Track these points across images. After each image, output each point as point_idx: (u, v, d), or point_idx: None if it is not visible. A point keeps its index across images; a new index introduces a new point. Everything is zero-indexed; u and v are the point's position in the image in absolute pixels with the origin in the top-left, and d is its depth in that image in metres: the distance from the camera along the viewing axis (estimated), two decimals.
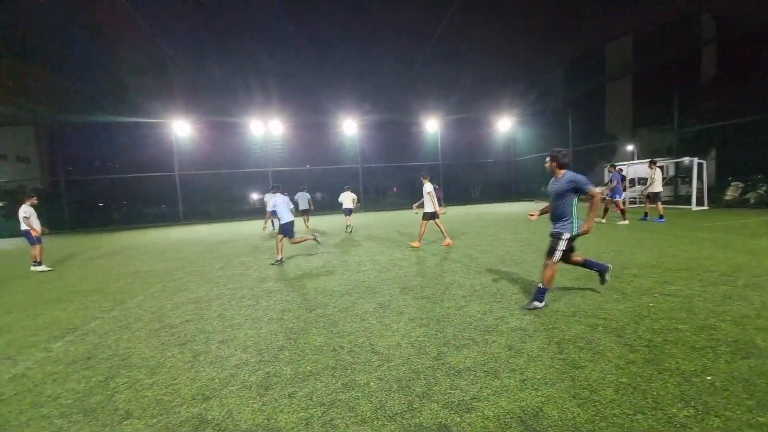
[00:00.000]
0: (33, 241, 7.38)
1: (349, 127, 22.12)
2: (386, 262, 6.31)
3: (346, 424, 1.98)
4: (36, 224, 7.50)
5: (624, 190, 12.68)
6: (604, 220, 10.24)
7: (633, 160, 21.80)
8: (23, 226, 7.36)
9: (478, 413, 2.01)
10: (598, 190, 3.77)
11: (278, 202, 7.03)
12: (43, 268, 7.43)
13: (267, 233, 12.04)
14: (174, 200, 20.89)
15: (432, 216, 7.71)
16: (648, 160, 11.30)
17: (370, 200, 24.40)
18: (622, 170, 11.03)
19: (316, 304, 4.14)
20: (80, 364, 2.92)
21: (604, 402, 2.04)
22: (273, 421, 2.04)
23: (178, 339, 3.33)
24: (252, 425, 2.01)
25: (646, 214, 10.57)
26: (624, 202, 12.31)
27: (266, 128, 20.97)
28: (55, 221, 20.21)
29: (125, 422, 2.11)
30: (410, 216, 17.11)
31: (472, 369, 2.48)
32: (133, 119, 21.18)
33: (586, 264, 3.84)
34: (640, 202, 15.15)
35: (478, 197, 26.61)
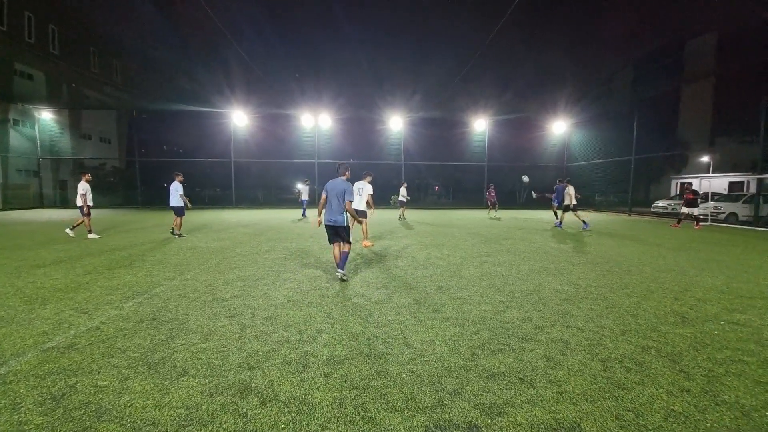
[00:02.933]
0: (83, 213, 8.49)
1: (396, 123, 22.19)
2: (423, 259, 6.31)
3: (377, 409, 2.05)
4: (89, 199, 8.52)
5: (695, 204, 11.58)
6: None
7: (708, 172, 19.56)
8: (79, 201, 8.41)
9: (510, 418, 1.98)
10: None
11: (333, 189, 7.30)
12: (93, 236, 8.56)
13: (304, 221, 12.52)
14: (228, 185, 22.41)
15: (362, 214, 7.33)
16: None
17: (412, 198, 24.40)
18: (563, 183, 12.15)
19: (354, 293, 4.27)
20: (146, 324, 3.30)
21: (649, 427, 1.91)
22: (309, 396, 2.17)
23: (227, 311, 3.63)
24: (290, 397, 2.16)
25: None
26: (697, 217, 11.29)
27: (315, 121, 21.70)
28: (129, 197, 22.66)
29: (182, 378, 2.36)
30: (450, 215, 16.87)
31: (506, 374, 2.43)
32: (198, 108, 22.95)
33: None
34: (713, 220, 13.59)
35: (525, 202, 25.49)
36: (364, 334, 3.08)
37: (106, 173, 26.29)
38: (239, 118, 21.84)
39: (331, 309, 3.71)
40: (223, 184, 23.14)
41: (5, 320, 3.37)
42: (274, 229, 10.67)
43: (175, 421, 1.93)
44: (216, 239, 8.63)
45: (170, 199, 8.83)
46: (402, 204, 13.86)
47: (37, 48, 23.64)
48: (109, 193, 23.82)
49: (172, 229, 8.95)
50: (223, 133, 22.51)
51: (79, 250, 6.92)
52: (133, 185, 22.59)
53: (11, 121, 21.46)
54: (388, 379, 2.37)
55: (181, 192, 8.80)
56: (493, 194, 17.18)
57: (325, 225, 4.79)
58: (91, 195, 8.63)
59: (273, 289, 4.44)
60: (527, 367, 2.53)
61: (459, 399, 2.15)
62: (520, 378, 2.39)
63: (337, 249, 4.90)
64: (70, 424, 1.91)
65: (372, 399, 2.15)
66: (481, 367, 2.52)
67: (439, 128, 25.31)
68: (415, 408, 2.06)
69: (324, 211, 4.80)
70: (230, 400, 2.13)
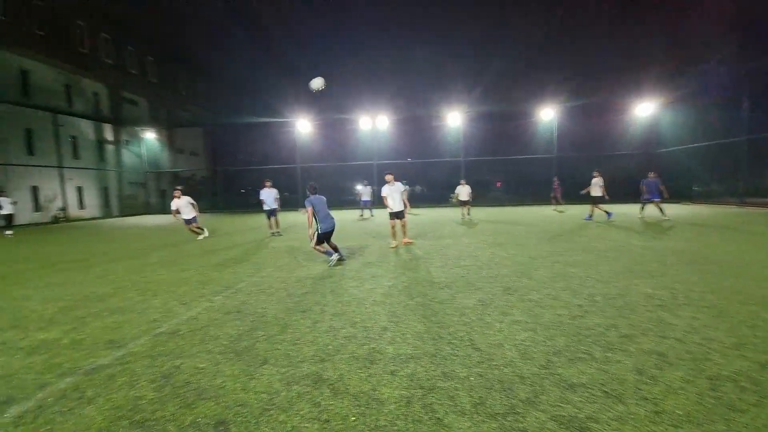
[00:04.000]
0: (187, 221, 9.73)
1: (454, 119, 21.66)
2: (487, 258, 6.07)
3: (445, 411, 2.02)
4: (186, 214, 9.64)
5: None
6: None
7: None
8: (194, 212, 9.74)
9: None
10: None
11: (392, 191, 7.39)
12: (201, 237, 9.76)
13: (365, 221, 12.84)
14: (295, 188, 24.02)
15: (399, 215, 7.48)
16: None
17: (473, 194, 23.57)
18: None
19: (416, 292, 4.28)
20: (232, 315, 3.69)
21: None
22: (377, 392, 2.22)
23: (300, 307, 3.89)
24: (359, 391, 2.24)
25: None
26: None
27: (373, 123, 22.18)
28: (214, 203, 25.57)
29: (263, 366, 2.59)
30: (513, 212, 15.93)
31: (588, 386, 2.22)
32: (267, 120, 24.99)
33: None
34: None
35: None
36: (428, 334, 3.06)
37: (195, 182, 30.00)
38: (303, 126, 23.28)
39: (395, 308, 3.76)
40: (291, 188, 24.84)
41: (125, 309, 4.05)
42: (336, 230, 11.15)
43: (259, 405, 2.13)
44: (287, 240, 9.32)
45: (265, 202, 9.80)
46: (463, 203, 13.40)
47: (139, 77, 27.88)
48: (197, 199, 27.23)
49: (273, 230, 10.02)
50: (289, 139, 24.20)
51: (177, 251, 8.01)
52: (215, 191, 25.45)
53: (123, 142, 25.64)
54: (456, 381, 2.32)
55: (174, 208, 9.67)
56: (558, 188, 15.96)
57: (326, 232, 5.90)
58: (186, 207, 9.75)
59: (339, 287, 4.65)
60: (613, 380, 2.28)
61: (534, 408, 2.02)
62: (605, 391, 2.16)
63: (327, 246, 6.04)
64: (176, 399, 2.22)
65: (439, 400, 2.12)
66: (557, 376, 2.34)
67: (502, 121, 24.07)
68: (485, 413, 1.99)
69: (319, 222, 5.82)
70: (305, 389, 2.28)
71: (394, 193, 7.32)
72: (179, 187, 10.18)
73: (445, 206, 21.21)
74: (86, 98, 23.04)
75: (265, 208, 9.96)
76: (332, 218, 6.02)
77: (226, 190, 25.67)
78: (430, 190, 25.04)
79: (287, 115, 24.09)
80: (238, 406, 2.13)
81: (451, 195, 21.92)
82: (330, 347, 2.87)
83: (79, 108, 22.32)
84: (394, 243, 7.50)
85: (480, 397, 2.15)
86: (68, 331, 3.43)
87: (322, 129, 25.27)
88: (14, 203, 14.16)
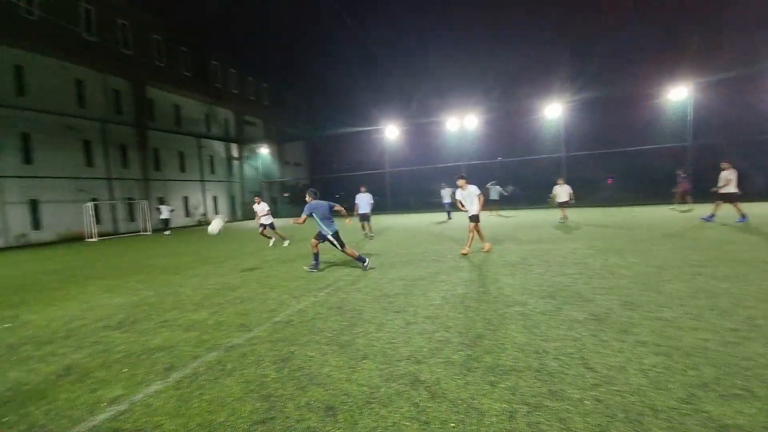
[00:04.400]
0: (267, 226, 10.10)
1: (553, 111, 19.65)
2: (599, 267, 5.32)
3: None
4: (263, 219, 10.01)
5: None
6: None
7: None
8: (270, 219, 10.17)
9: None
10: None
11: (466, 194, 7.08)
12: (272, 243, 10.04)
13: (445, 223, 12.52)
14: (383, 193, 24.96)
15: (477, 219, 6.93)
16: None
17: (576, 194, 20.98)
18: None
19: (514, 300, 4.00)
20: (334, 311, 4.03)
21: None
22: (476, 401, 2.15)
23: (393, 307, 4.03)
24: (457, 398, 2.20)
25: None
26: None
27: (461, 123, 21.65)
28: None
29: (363, 361, 2.76)
30: (629, 213, 13.57)
31: (746, 430, 1.76)
32: (358, 129, 26.61)
33: None
34: None
35: (755, 191, 17.94)
36: (530, 347, 2.84)
37: (299, 190, 33.75)
38: (391, 131, 24.09)
39: (490, 315, 3.59)
40: (379, 192, 25.91)
41: (250, 299, 4.78)
42: (423, 233, 11.21)
43: (361, 396, 2.27)
44: (377, 242, 9.75)
45: (360, 207, 10.32)
46: (561, 204, 11.95)
47: (256, 102, 32.67)
48: (301, 205, 30.70)
49: (366, 233, 10.52)
50: (378, 145, 25.32)
51: (286, 251, 9.11)
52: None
53: (244, 158, 30.40)
54: (566, 402, 2.10)
55: (371, 200, 10.44)
56: (686, 183, 13.10)
57: (333, 235, 6.09)
58: (263, 213, 10.10)
59: (430, 289, 4.66)
60: None
61: None
62: None
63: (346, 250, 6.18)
64: (292, 381, 2.53)
65: (548, 420, 1.95)
66: (705, 415, 1.91)
67: (612, 108, 20.90)
68: None
69: (320, 226, 6.13)
70: (403, 388, 2.34)
71: (466, 198, 6.99)
72: (258, 194, 11.13)
73: (544, 207, 19.34)
74: (219, 123, 28.07)
75: (360, 212, 10.46)
76: (333, 223, 6.23)
77: (324, 196, 28.24)
78: (525, 191, 23.21)
79: (376, 122, 25.27)
80: (344, 395, 2.31)
81: (549, 196, 19.93)
82: (425, 349, 2.89)
83: (214, 132, 27.33)
84: (466, 249, 7.09)
85: (599, 424, 1.89)
86: (212, 313, 4.22)
87: (410, 133, 25.75)
88: (172, 210, 18.09)
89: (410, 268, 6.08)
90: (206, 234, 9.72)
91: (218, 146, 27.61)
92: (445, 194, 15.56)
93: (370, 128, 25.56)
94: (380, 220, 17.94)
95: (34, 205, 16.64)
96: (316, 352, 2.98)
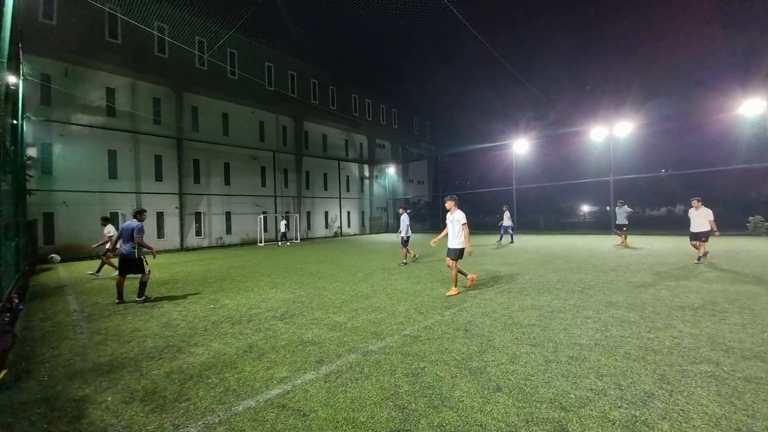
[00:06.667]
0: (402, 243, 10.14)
1: (753, 108, 14.80)
2: None
3: None
4: (404, 231, 10.02)
5: None
6: None
7: None
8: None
9: None
10: None
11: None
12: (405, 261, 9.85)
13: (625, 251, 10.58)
14: (511, 211, 23.30)
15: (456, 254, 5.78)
16: None
17: None
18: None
19: (699, 356, 3.10)
20: (461, 333, 3.94)
21: None
22: None
23: (528, 339, 3.67)
24: None
25: None
26: None
27: (610, 131, 18.53)
28: (435, 224, 28.71)
29: (497, 393, 2.59)
30: None
31: None
32: (483, 145, 25.84)
33: None
34: None
35: None
36: (728, 422, 2.13)
37: (420, 207, 34.87)
38: (520, 146, 22.52)
39: (664, 370, 2.86)
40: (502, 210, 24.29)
41: (380, 309, 5.13)
42: (561, 258, 9.88)
43: None
44: (503, 264, 9.12)
45: (402, 229, 9.89)
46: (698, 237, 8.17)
47: (386, 126, 35.67)
48: (422, 221, 31.60)
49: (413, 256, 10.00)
50: (505, 162, 23.98)
51: (410, 267, 9.47)
52: (437, 215, 28.59)
53: (374, 177, 33.36)
54: None
55: (408, 223, 9.91)
56: None
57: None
58: (405, 226, 10.21)
59: (573, 325, 4.05)
60: None
61: None
62: None
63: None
64: (424, 398, 2.57)
65: None
66: None
67: None
68: None
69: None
70: None
71: (451, 224, 5.92)
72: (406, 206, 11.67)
73: (742, 234, 14.55)
74: (355, 147, 31.79)
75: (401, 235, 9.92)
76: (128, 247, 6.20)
77: (445, 213, 28.49)
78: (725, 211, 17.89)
79: (504, 137, 24.05)
80: (477, 425, 2.21)
81: (749, 219, 14.74)
82: (572, 396, 2.52)
83: (351, 155, 31.09)
84: (452, 289, 5.95)
85: None
86: (350, 318, 4.71)
87: (543, 147, 23.55)
88: (287, 224, 20.86)
89: (546, 297, 5.45)
90: (343, 245, 10.93)
91: (353, 167, 31.22)
92: (620, 214, 12.64)
93: (495, 144, 24.53)
94: (507, 241, 16.77)
95: (228, 216, 22.21)
96: (445, 373, 2.96)
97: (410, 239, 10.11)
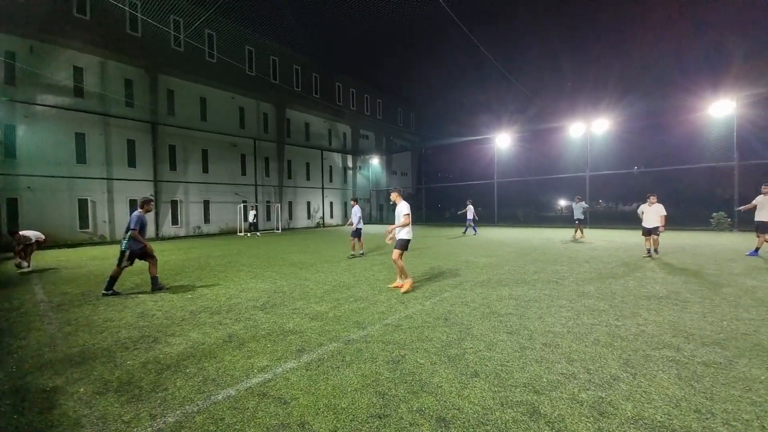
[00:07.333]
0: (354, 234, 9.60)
1: (721, 109, 15.59)
2: None
3: None
4: (356, 223, 9.58)
5: None
6: None
7: None
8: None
9: None
10: None
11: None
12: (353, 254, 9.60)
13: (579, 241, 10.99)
14: (491, 204, 23.78)
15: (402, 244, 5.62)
16: None
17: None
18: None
19: (662, 342, 3.30)
20: (441, 322, 4.03)
21: None
22: None
23: (505, 327, 3.80)
24: None
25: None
26: None
27: (588, 128, 19.10)
28: (419, 216, 28.95)
29: (474, 379, 2.69)
30: None
31: None
32: (466, 138, 26.08)
33: None
34: None
35: None
36: (688, 403, 2.30)
37: (404, 198, 35.06)
38: (502, 140, 22.89)
39: (629, 355, 3.04)
40: (487, 203, 24.77)
41: (362, 299, 5.17)
42: (538, 250, 10.21)
43: (473, 416, 2.22)
44: (483, 255, 9.34)
45: (354, 221, 9.52)
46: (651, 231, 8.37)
47: (370, 117, 35.35)
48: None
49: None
50: (487, 156, 24.34)
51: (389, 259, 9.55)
52: (419, 206, 28.81)
53: (357, 167, 33.13)
54: None
55: (360, 215, 9.61)
56: None
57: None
58: (357, 217, 9.68)
59: (548, 314, 4.22)
60: None
61: None
62: None
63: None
64: (405, 384, 2.63)
65: None
66: None
67: None
68: None
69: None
70: (520, 417, 2.19)
71: (397, 216, 5.77)
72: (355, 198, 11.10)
73: (706, 230, 15.43)
74: (338, 137, 31.38)
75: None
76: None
77: (428, 205, 28.63)
78: (676, 207, 18.82)
79: (487, 131, 24.35)
80: (455, 409, 2.29)
81: (713, 215, 15.66)
82: (544, 380, 2.64)
83: (334, 145, 30.69)
84: (399, 282, 5.83)
85: None
86: (331, 307, 4.73)
87: (524, 141, 24.03)
88: (255, 215, 20.43)
89: (523, 287, 5.64)
90: (325, 236, 10.84)
91: (336, 157, 30.85)
92: (577, 209, 13.37)
93: (478, 138, 24.81)
94: (487, 233, 17.13)
95: (206, 205, 21.56)
96: (425, 360, 3.04)
97: (362, 231, 9.87)
